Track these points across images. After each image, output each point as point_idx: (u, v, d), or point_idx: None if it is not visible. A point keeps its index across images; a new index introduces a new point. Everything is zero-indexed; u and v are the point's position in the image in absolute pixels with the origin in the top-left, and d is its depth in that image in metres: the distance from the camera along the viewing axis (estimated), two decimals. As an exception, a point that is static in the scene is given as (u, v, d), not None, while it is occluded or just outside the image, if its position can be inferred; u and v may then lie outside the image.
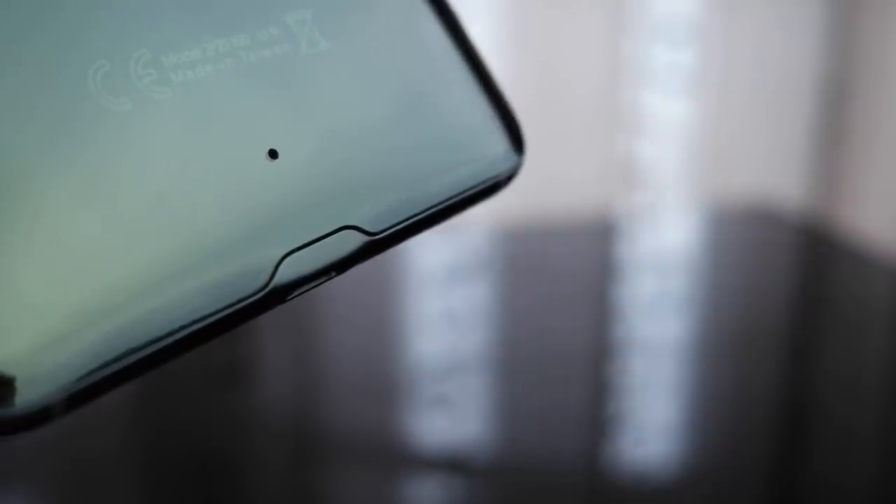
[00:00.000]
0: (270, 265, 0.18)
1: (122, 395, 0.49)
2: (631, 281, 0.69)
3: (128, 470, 0.47)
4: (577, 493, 0.45)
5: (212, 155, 0.18)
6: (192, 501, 0.45)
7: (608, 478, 0.46)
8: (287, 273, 0.18)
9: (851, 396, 0.53)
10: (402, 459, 0.48)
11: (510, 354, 0.58)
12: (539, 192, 0.89)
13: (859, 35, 1.03)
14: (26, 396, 0.15)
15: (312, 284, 0.18)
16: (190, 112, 0.18)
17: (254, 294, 0.18)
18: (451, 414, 0.50)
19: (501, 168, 0.21)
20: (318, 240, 0.19)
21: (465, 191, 0.21)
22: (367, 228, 0.19)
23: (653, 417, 0.51)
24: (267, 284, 0.18)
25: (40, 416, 0.15)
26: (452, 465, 0.46)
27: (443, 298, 0.63)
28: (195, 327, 0.17)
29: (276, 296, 0.18)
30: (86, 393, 0.16)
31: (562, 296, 0.65)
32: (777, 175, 1.05)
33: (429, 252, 0.69)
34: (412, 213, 0.20)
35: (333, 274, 0.19)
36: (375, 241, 0.19)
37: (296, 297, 0.18)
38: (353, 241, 0.19)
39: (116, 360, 0.16)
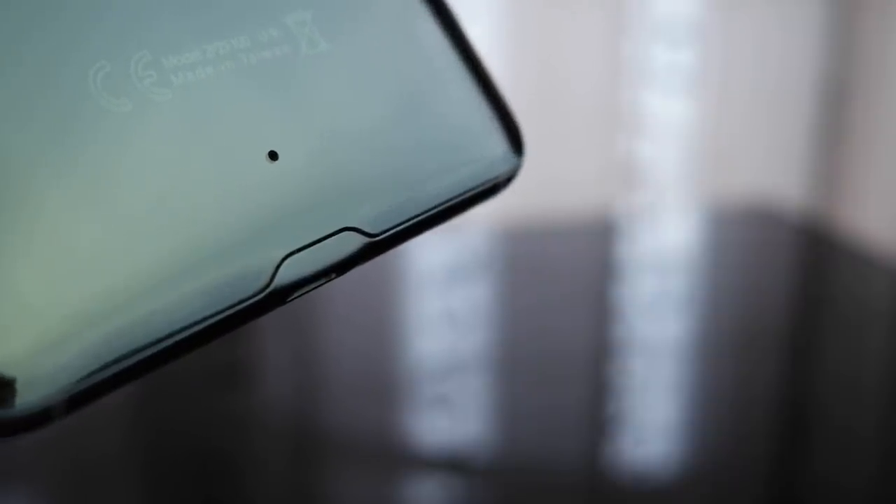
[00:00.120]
0: (271, 267, 0.18)
1: (121, 396, 0.49)
2: (631, 281, 0.69)
3: (128, 470, 0.47)
4: (577, 493, 0.45)
5: (212, 157, 0.18)
6: (192, 501, 0.45)
7: (608, 478, 0.46)
8: (287, 274, 0.18)
9: (851, 396, 0.53)
10: (402, 459, 0.48)
11: (510, 354, 0.58)
12: (539, 192, 0.89)
13: (859, 35, 1.03)
14: (26, 398, 0.15)
15: (313, 286, 0.18)
16: (190, 114, 0.18)
17: (254, 295, 0.18)
18: (451, 414, 0.50)
19: (501, 169, 0.21)
20: (319, 241, 0.19)
21: (464, 192, 0.21)
22: (367, 230, 0.19)
23: (653, 417, 0.51)
24: (267, 286, 0.18)
25: (41, 417, 0.15)
26: (452, 465, 0.46)
27: (443, 298, 0.63)
28: (196, 329, 0.17)
29: (277, 297, 0.18)
30: (86, 394, 0.16)
31: (562, 296, 0.65)
32: (777, 175, 1.05)
33: (429, 252, 0.69)
34: (412, 215, 0.20)
35: (333, 275, 0.19)
36: (375, 242, 0.19)
37: (296, 298, 0.18)
38: (354, 242, 0.19)
39: (117, 361, 0.16)
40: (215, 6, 0.19)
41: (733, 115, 1.04)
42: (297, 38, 0.20)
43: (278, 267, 0.18)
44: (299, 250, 0.18)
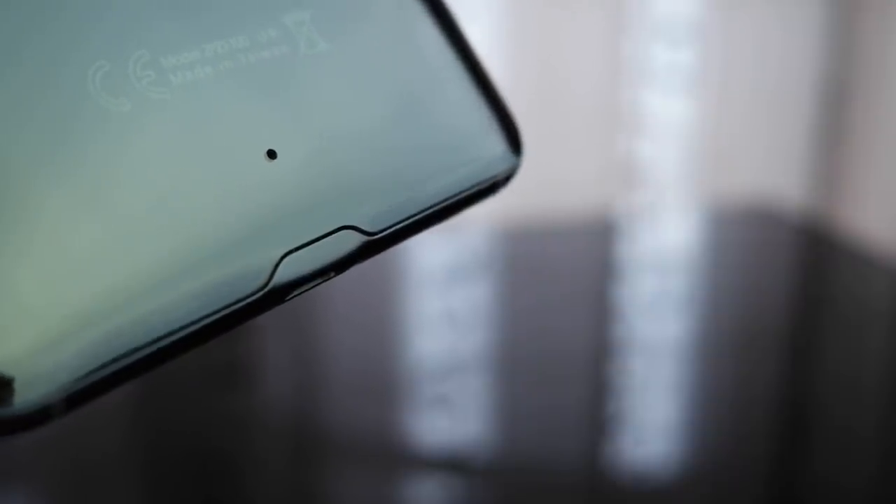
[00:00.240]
0: (269, 265, 0.18)
1: (121, 395, 0.49)
2: (631, 281, 0.69)
3: (128, 470, 0.47)
4: (577, 493, 0.45)
5: (210, 156, 0.18)
6: (192, 501, 0.45)
7: (608, 478, 0.46)
8: (286, 273, 0.18)
9: (851, 396, 0.53)
10: (402, 459, 0.48)
11: (510, 354, 0.58)
12: (539, 191, 0.89)
13: (859, 35, 1.03)
14: (25, 396, 0.15)
15: (311, 284, 0.19)
16: (188, 113, 0.18)
17: (253, 294, 0.18)
18: (451, 414, 0.50)
19: (499, 169, 0.21)
20: (317, 240, 0.19)
21: (463, 191, 0.21)
22: (365, 228, 0.19)
23: (653, 417, 0.51)
24: (266, 284, 0.18)
25: (39, 416, 0.15)
26: (452, 464, 0.46)
27: (443, 298, 0.63)
28: (194, 328, 0.17)
29: (276, 296, 0.18)
30: (85, 393, 0.16)
31: (562, 296, 0.65)
32: (777, 175, 1.05)
33: (429, 252, 0.69)
34: (411, 214, 0.20)
35: (332, 274, 0.19)
36: (374, 241, 0.19)
37: (295, 297, 0.18)
38: (352, 241, 0.19)
39: (115, 360, 0.16)
40: (214, 6, 0.19)
41: (733, 115, 1.04)
42: (296, 38, 0.20)
43: (277, 265, 0.18)
44: (298, 249, 0.18)
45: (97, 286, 0.16)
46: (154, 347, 0.16)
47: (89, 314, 0.16)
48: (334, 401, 0.53)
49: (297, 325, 0.60)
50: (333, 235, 0.19)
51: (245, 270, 0.18)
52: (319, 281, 0.19)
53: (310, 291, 0.19)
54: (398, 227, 0.20)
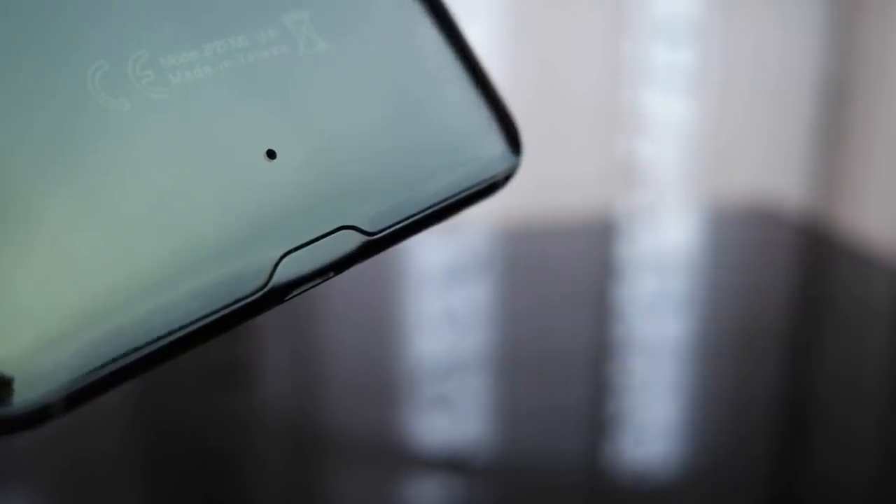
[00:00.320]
0: (269, 265, 0.18)
1: (121, 395, 0.49)
2: (631, 281, 0.69)
3: (127, 469, 0.47)
4: (577, 493, 0.45)
5: (210, 156, 0.18)
6: (192, 501, 0.45)
7: (608, 478, 0.46)
8: (285, 273, 0.18)
9: (851, 396, 0.53)
10: (401, 459, 0.48)
11: (510, 354, 0.58)
12: (539, 191, 0.89)
13: (859, 35, 1.03)
14: (25, 396, 0.15)
15: (311, 284, 0.19)
16: (188, 113, 0.18)
17: (252, 294, 0.18)
18: (450, 414, 0.50)
19: (499, 169, 0.21)
20: (317, 240, 0.19)
21: (462, 191, 0.21)
22: (365, 228, 0.19)
23: (653, 417, 0.51)
24: (266, 284, 0.18)
25: (39, 415, 0.15)
26: (452, 464, 0.46)
27: (443, 298, 0.63)
28: (194, 327, 0.17)
29: (275, 296, 0.18)
30: (84, 392, 0.16)
31: (562, 296, 0.65)
32: (777, 175, 1.05)
33: (429, 252, 0.69)
34: (410, 214, 0.20)
35: (332, 274, 0.19)
36: (374, 240, 0.19)
37: (294, 296, 0.18)
38: (352, 240, 0.19)
39: (115, 360, 0.16)
40: (213, 6, 0.19)
41: (733, 115, 1.04)
42: (295, 37, 0.20)
43: (277, 265, 0.18)
44: (297, 249, 0.18)
45: (96, 286, 0.16)
46: (153, 347, 0.16)
47: (88, 314, 0.16)
48: (334, 400, 0.53)
49: (297, 325, 0.60)
50: (333, 235, 0.19)
51: (244, 270, 0.18)
52: (319, 281, 0.19)
53: (309, 291, 0.19)
54: (398, 227, 0.20)
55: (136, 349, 0.16)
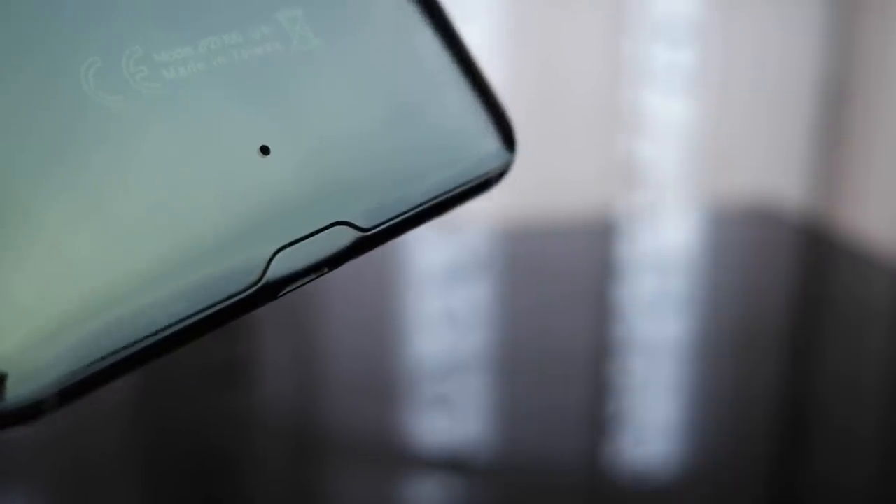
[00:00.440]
0: (263, 261, 0.18)
1: (120, 394, 0.49)
2: (631, 281, 0.69)
3: (127, 468, 0.47)
4: (577, 493, 0.45)
5: (204, 152, 0.18)
6: (192, 500, 0.45)
7: (608, 478, 0.46)
8: (279, 268, 0.18)
9: (851, 396, 0.53)
10: (401, 459, 0.48)
11: (510, 354, 0.58)
12: (539, 191, 0.89)
13: (859, 35, 1.03)
14: (17, 392, 0.15)
15: (305, 280, 0.19)
16: (181, 109, 0.18)
17: (246, 290, 0.18)
18: (450, 414, 0.50)
19: (492, 165, 0.21)
20: (311, 235, 0.19)
21: (456, 187, 0.21)
22: (359, 224, 0.19)
23: (653, 417, 0.51)
24: (259, 280, 0.18)
25: (31, 410, 0.15)
26: (452, 464, 0.46)
27: (443, 298, 0.63)
28: (187, 323, 0.17)
29: (269, 291, 0.18)
30: (77, 388, 0.16)
31: (562, 296, 0.65)
32: (777, 175, 1.05)
33: (429, 252, 0.69)
34: (404, 209, 0.20)
35: (326, 270, 0.19)
36: (368, 236, 0.19)
37: (288, 292, 0.18)
38: (346, 236, 0.19)
39: (108, 356, 0.16)
40: (207, 3, 0.19)
41: (733, 115, 1.04)
42: (289, 34, 0.20)
43: (270, 261, 0.18)
44: (291, 244, 0.18)
45: (89, 282, 0.16)
46: (146, 343, 0.16)
47: (81, 310, 0.16)
48: (334, 400, 0.53)
49: (297, 324, 0.60)
50: (327, 231, 0.19)
51: (238, 266, 0.18)
52: (313, 277, 0.19)
53: (309, 290, 0.19)
54: (392, 222, 0.20)
55: (129, 345, 0.16)
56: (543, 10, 0.97)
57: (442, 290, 0.64)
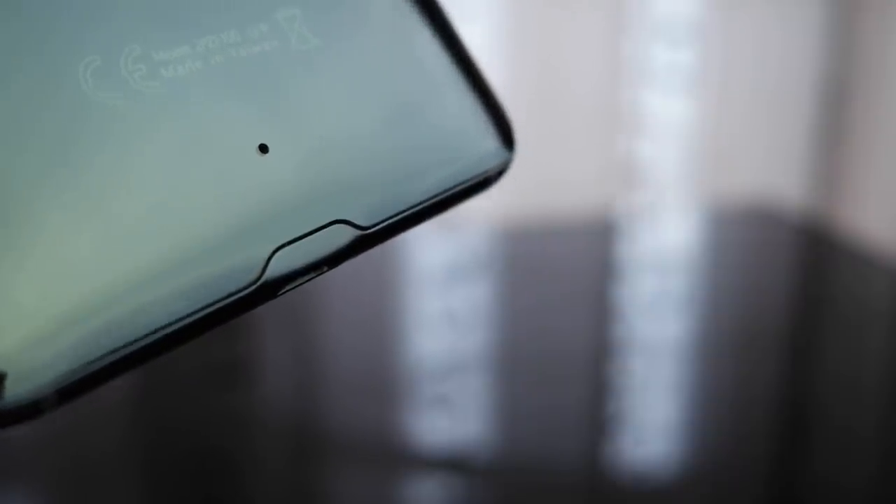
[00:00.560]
0: (262, 259, 0.18)
1: (120, 393, 0.49)
2: (631, 281, 0.69)
3: (127, 468, 0.47)
4: (577, 493, 0.45)
5: (202, 150, 0.18)
6: (192, 499, 0.45)
7: (608, 478, 0.46)
8: (278, 267, 0.18)
9: (851, 396, 0.53)
10: (401, 459, 0.48)
11: (510, 354, 0.58)
12: (539, 191, 0.89)
13: (859, 35, 1.03)
14: (16, 391, 0.15)
15: (304, 279, 0.19)
16: (179, 107, 0.18)
17: (245, 288, 0.18)
18: (450, 413, 0.50)
19: (491, 164, 0.21)
20: (309, 234, 0.19)
21: (455, 186, 0.21)
22: (358, 223, 0.19)
23: (653, 417, 0.51)
24: (258, 279, 0.18)
25: (30, 409, 0.15)
26: (452, 464, 0.46)
27: (443, 298, 0.63)
28: (186, 322, 0.17)
29: (268, 290, 0.18)
30: (76, 387, 0.16)
31: (562, 295, 0.65)
32: (777, 175, 1.05)
33: (429, 251, 0.69)
34: (403, 208, 0.20)
35: (325, 268, 0.19)
36: (367, 235, 0.19)
37: (288, 291, 0.18)
38: (345, 235, 0.19)
39: (106, 355, 0.16)
40: (205, 2, 0.19)
41: (733, 114, 1.03)
42: (287, 33, 0.20)
43: (269, 259, 0.18)
44: (290, 243, 0.18)
45: (89, 281, 0.16)
46: (145, 342, 0.16)
47: (80, 309, 0.16)
48: (334, 400, 0.53)
49: (297, 324, 0.60)
50: (326, 229, 0.19)
51: (237, 264, 0.18)
52: (312, 275, 0.19)
53: (309, 289, 0.19)
54: (391, 221, 0.20)
55: (128, 344, 0.16)
56: (543, 10, 0.97)
57: (442, 290, 0.64)
